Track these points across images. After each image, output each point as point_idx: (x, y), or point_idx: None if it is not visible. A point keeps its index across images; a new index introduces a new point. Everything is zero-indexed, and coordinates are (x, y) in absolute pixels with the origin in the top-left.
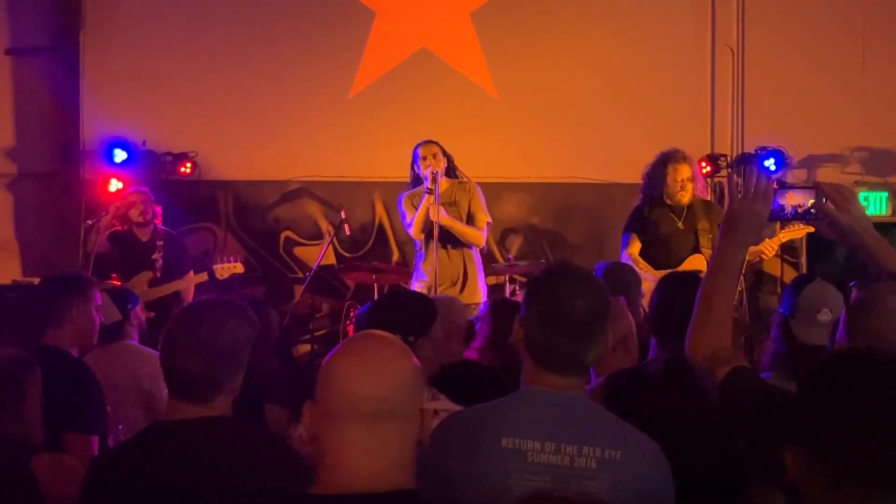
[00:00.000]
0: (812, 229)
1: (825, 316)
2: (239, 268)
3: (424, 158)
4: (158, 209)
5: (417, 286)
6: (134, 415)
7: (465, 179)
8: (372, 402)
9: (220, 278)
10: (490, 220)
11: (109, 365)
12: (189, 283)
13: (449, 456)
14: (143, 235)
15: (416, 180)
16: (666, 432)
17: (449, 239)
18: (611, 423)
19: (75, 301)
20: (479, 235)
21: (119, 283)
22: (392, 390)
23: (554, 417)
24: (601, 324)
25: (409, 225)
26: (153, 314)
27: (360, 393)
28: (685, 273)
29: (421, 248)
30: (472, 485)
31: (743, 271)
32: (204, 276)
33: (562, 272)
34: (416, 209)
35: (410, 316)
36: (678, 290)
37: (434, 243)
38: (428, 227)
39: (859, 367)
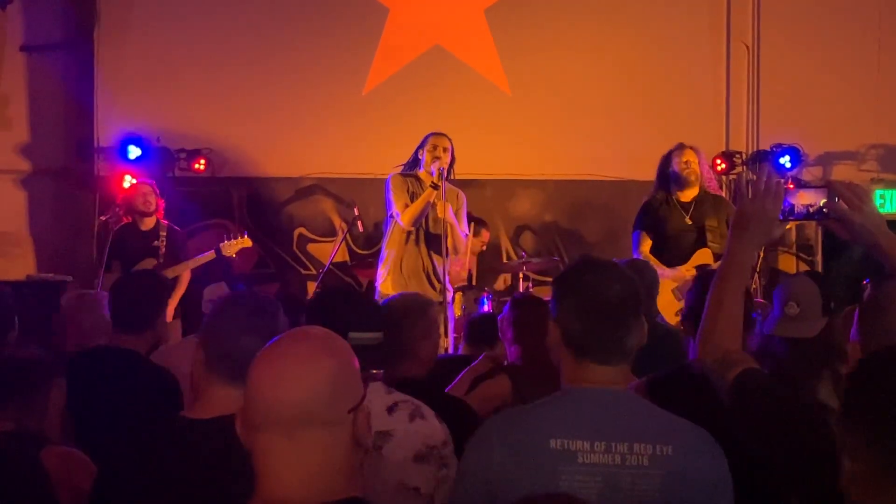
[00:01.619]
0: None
1: (791, 309)
2: (247, 242)
3: (435, 149)
4: (162, 203)
5: (387, 280)
6: None
7: (455, 186)
8: (287, 410)
9: (227, 255)
10: (468, 232)
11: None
12: (195, 264)
13: (493, 460)
14: (145, 226)
15: (413, 164)
16: (711, 432)
17: (432, 237)
18: (659, 418)
19: (161, 312)
20: (464, 242)
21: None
22: (308, 395)
23: (601, 415)
24: (635, 307)
25: (399, 214)
26: None
27: (274, 401)
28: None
29: (390, 242)
30: (521, 488)
31: (758, 269)
32: (211, 255)
33: (588, 263)
34: (410, 198)
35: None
36: None
37: (421, 238)
38: (420, 221)
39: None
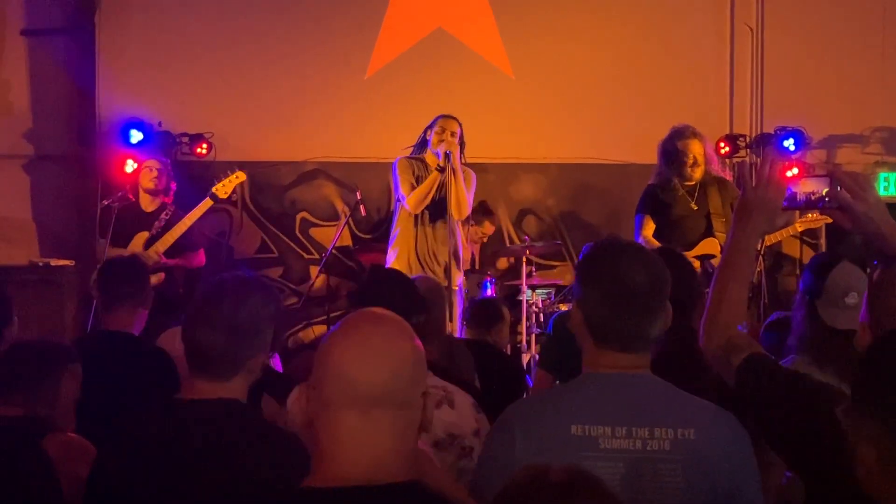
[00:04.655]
0: (830, 220)
1: (852, 299)
2: (241, 176)
3: (443, 131)
4: (174, 185)
5: (396, 263)
6: None
7: (466, 168)
8: (367, 388)
9: (225, 196)
10: (470, 209)
11: None
12: (192, 219)
13: (516, 449)
14: (148, 206)
15: (421, 146)
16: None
17: (440, 216)
18: (682, 401)
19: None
20: (468, 204)
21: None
22: (390, 375)
23: (622, 400)
24: (663, 296)
25: (405, 197)
26: (162, 276)
27: (356, 378)
28: (669, 249)
29: (399, 225)
30: None
31: (762, 253)
32: (208, 203)
33: (614, 247)
34: (416, 181)
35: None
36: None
37: (426, 220)
38: (426, 205)
39: None
